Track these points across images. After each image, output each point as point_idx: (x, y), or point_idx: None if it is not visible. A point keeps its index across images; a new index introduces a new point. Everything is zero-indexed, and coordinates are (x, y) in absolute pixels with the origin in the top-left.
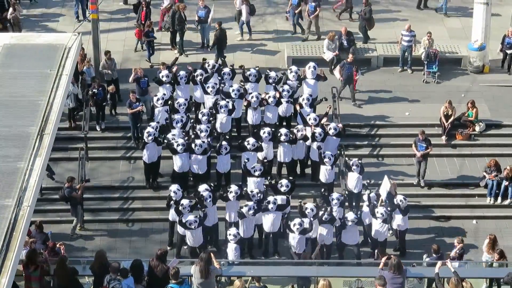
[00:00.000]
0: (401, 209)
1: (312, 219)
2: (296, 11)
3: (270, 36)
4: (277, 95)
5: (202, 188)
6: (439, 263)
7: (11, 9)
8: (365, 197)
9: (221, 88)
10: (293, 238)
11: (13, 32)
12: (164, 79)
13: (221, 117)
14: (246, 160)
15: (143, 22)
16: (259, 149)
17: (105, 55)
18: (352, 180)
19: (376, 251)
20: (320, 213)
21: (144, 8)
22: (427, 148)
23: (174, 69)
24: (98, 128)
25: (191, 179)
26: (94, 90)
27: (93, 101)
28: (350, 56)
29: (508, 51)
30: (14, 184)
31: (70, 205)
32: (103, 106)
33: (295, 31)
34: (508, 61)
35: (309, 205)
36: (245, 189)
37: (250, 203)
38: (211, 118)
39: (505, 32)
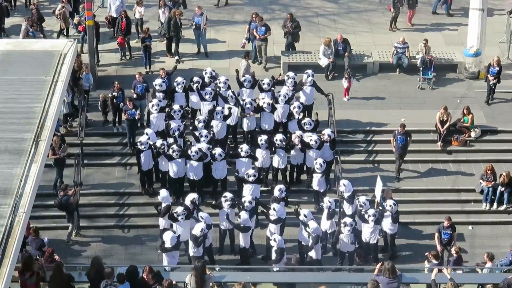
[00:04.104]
0: (393, 216)
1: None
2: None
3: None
4: (271, 101)
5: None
6: (435, 269)
7: (60, 5)
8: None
9: (218, 92)
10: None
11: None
12: (157, 87)
13: (216, 123)
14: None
15: (123, 32)
16: (252, 156)
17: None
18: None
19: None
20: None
21: (124, 19)
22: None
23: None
24: (115, 130)
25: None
26: (114, 94)
27: (113, 104)
28: (400, 128)
29: (492, 81)
30: (9, 191)
31: (66, 212)
32: (121, 110)
33: (255, 55)
34: (492, 90)
35: (304, 211)
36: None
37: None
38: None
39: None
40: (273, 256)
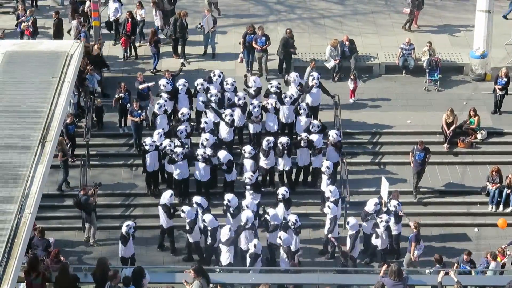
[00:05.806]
0: (394, 216)
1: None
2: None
3: (272, 44)
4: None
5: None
6: (441, 272)
7: (88, 3)
8: (367, 208)
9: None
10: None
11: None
12: (161, 88)
13: (223, 126)
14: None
15: (128, 34)
16: (255, 157)
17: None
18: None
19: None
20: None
21: (130, 20)
22: None
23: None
24: (121, 131)
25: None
26: (120, 95)
27: (119, 105)
28: (419, 144)
29: (500, 92)
30: (16, 191)
31: (85, 212)
32: (127, 111)
33: (249, 69)
34: (500, 101)
35: (292, 217)
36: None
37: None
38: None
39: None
40: (247, 260)
